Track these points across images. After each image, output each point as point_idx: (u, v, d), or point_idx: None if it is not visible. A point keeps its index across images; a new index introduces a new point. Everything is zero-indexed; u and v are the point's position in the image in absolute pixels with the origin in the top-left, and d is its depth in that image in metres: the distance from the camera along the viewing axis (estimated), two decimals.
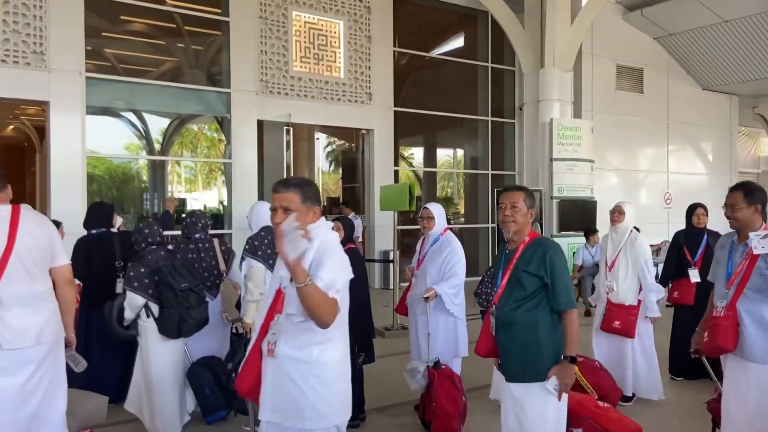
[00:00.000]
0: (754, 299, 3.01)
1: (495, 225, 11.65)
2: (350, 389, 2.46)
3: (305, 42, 10.65)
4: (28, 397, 2.88)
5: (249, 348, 2.50)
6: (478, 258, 13.34)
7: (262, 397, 2.39)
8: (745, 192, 3.10)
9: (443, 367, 4.31)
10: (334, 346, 2.36)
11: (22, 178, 17.78)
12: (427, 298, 4.31)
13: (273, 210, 2.37)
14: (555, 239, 11.53)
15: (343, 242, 4.36)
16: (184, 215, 4.58)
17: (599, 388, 4.43)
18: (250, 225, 4.57)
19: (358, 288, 4.17)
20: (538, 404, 2.75)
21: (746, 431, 3.02)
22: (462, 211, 15.06)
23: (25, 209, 3.01)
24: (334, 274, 2.26)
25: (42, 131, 14.54)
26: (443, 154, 16.43)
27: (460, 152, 15.65)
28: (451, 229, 4.69)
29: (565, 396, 2.76)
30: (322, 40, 10.83)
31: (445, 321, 4.45)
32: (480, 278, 4.83)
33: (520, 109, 12.85)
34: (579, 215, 11.64)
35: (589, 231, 9.67)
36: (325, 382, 2.31)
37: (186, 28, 10.52)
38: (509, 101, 13.28)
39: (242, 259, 4.37)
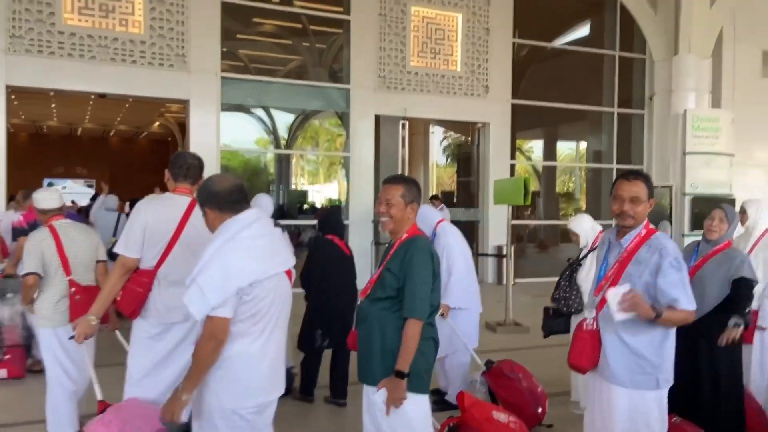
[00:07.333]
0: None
1: None
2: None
3: (423, 37, 10.75)
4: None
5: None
6: None
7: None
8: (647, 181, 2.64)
9: (494, 365, 4.25)
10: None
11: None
12: (443, 315, 4.19)
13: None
14: (686, 238, 10.78)
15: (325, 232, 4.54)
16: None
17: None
18: None
19: (335, 279, 4.42)
20: (373, 408, 2.60)
21: None
22: (583, 206, 14.45)
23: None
24: (211, 286, 2.20)
25: (183, 127, 15.96)
26: (565, 148, 15.90)
27: (582, 145, 15.03)
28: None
29: (414, 410, 2.53)
30: (440, 34, 10.87)
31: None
32: (556, 282, 4.45)
33: (650, 99, 12.10)
34: None
35: None
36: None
37: (311, 27, 11.05)
38: (638, 91, 12.55)
39: None
